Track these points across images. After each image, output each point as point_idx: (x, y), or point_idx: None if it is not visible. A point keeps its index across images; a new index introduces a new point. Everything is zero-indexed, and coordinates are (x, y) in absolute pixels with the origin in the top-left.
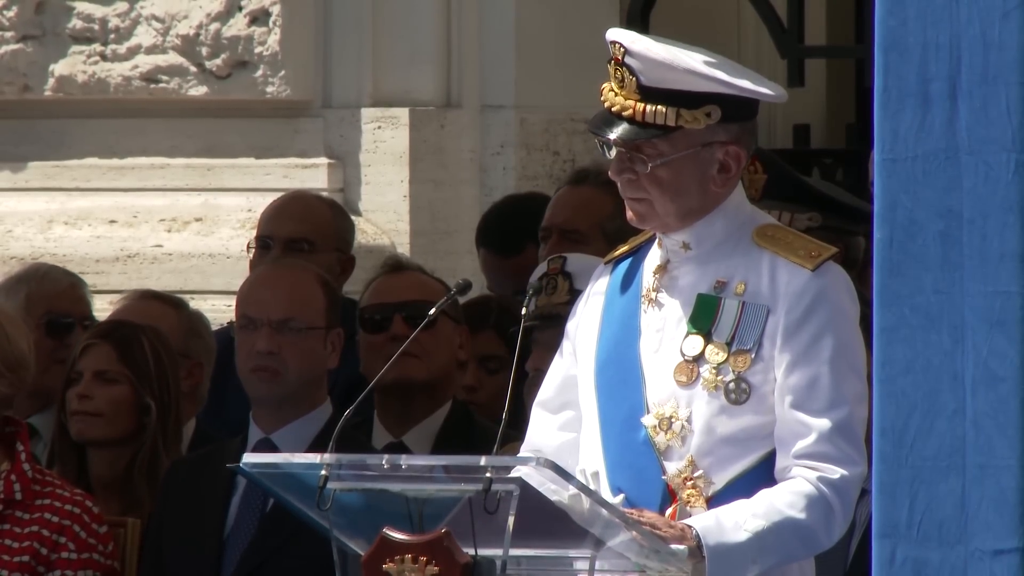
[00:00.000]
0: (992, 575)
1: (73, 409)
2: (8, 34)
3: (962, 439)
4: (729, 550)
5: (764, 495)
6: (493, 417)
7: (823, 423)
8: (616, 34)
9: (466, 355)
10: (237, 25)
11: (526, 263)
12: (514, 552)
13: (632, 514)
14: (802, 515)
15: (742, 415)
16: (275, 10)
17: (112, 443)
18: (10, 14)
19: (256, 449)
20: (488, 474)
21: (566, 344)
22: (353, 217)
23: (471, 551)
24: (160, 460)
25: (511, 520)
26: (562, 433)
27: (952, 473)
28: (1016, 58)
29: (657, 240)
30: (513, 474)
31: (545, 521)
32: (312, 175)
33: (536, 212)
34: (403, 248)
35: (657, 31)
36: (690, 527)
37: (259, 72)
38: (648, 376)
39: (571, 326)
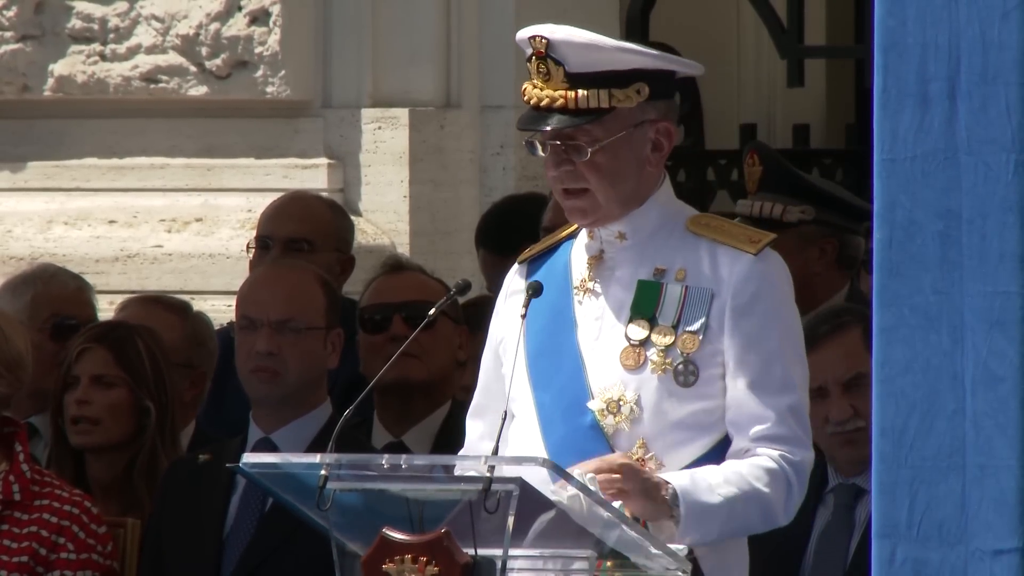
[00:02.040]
0: (992, 575)
1: (72, 415)
2: (8, 34)
3: (962, 439)
4: (704, 510)
5: (732, 465)
6: None
7: (779, 406)
8: (532, 29)
9: (466, 355)
10: (237, 25)
11: None
12: (513, 552)
13: (573, 470)
14: (767, 489)
15: (691, 398)
16: (275, 10)
17: (111, 448)
18: (10, 14)
19: (256, 449)
20: (488, 474)
21: (489, 345)
22: (353, 217)
23: (471, 551)
24: (159, 461)
25: (511, 520)
26: (486, 443)
27: (952, 473)
28: (1015, 58)
29: (587, 232)
30: (513, 474)
31: (545, 521)
32: (312, 175)
33: (536, 212)
34: (403, 248)
35: (657, 31)
36: (667, 482)
37: (259, 72)
38: (589, 363)
39: (494, 326)
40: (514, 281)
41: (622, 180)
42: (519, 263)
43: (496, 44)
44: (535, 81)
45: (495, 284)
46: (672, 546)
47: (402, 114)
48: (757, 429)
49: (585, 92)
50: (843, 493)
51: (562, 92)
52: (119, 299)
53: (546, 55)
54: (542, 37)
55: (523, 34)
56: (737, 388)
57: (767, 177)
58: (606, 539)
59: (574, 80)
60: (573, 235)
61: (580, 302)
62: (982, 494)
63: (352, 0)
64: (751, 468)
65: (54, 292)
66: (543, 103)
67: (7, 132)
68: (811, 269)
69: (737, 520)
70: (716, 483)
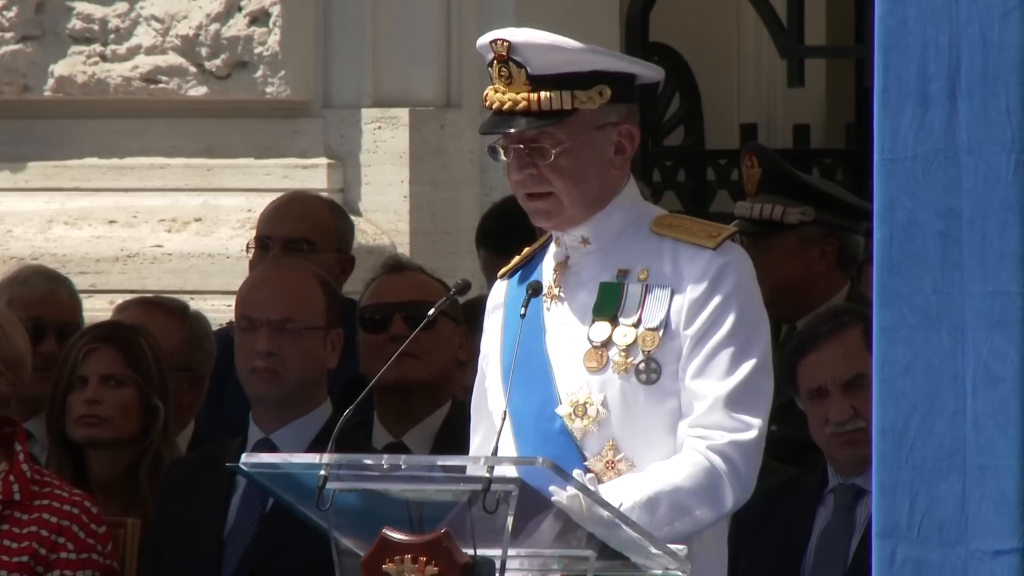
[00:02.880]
0: (992, 575)
1: (80, 414)
2: (8, 34)
3: (962, 439)
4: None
5: (653, 468)
6: None
7: (716, 392)
8: (493, 34)
9: (466, 355)
10: (237, 25)
11: None
12: (513, 552)
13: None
14: (685, 484)
15: (656, 396)
16: (275, 10)
17: (117, 445)
18: (10, 14)
19: (256, 449)
20: (487, 474)
21: (480, 361)
22: (353, 217)
23: (470, 551)
24: (163, 460)
25: (510, 520)
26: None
27: (952, 473)
28: (1016, 58)
29: (554, 240)
30: (512, 474)
31: (544, 521)
32: (312, 175)
33: None
34: (403, 248)
35: (657, 31)
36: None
37: (259, 72)
38: (557, 369)
39: (482, 342)
40: (495, 296)
41: (585, 182)
42: (499, 278)
43: None
44: (496, 86)
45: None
46: (672, 546)
47: (402, 114)
48: (692, 416)
49: (548, 94)
50: (843, 493)
51: (524, 95)
52: (119, 299)
53: (508, 58)
54: (504, 40)
55: (484, 39)
56: (685, 378)
57: (766, 178)
58: (606, 539)
59: (536, 82)
60: (546, 245)
61: (548, 308)
62: (982, 494)
63: (352, 0)
64: (669, 467)
65: (25, 295)
66: (505, 107)
67: (7, 132)
68: (812, 270)
69: (656, 523)
70: (626, 491)
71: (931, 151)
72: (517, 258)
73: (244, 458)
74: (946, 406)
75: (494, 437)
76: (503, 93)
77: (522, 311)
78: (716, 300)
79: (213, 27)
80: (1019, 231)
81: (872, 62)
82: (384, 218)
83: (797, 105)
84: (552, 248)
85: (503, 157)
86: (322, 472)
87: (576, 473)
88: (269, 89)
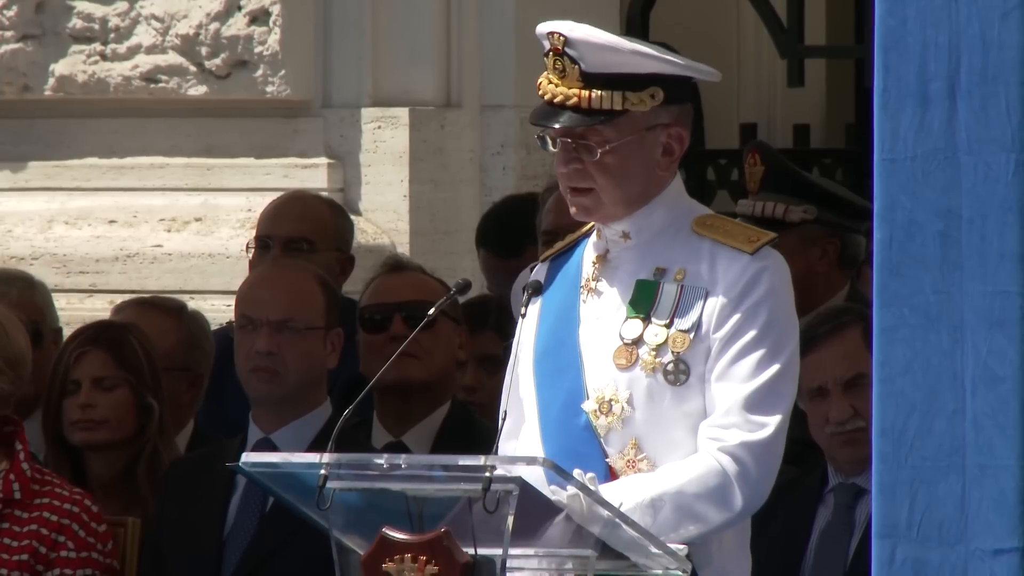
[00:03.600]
0: (992, 575)
1: (75, 419)
2: (8, 33)
3: (962, 439)
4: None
5: (661, 469)
6: (492, 417)
7: (736, 394)
8: (552, 25)
9: (466, 355)
10: (237, 25)
11: (525, 263)
12: (513, 552)
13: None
14: (693, 488)
15: (682, 398)
16: (275, 10)
17: (114, 446)
18: (10, 13)
19: (256, 449)
20: (487, 473)
21: (514, 343)
22: (353, 217)
23: (470, 551)
24: (160, 458)
25: (510, 519)
26: (508, 443)
27: (952, 473)
28: (1015, 58)
29: (596, 231)
30: (512, 473)
31: (545, 520)
32: (312, 175)
33: (536, 212)
34: (403, 248)
35: (657, 32)
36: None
37: (259, 72)
38: (587, 362)
39: (518, 328)
40: (534, 280)
41: (629, 182)
42: (541, 261)
43: (496, 43)
44: (550, 76)
45: (495, 284)
46: (672, 546)
47: (402, 114)
48: (711, 417)
49: (599, 93)
50: (843, 493)
51: (576, 91)
52: (119, 299)
53: (563, 52)
54: (560, 34)
55: (542, 29)
56: (710, 380)
57: (769, 177)
58: (606, 539)
59: (589, 80)
60: (588, 233)
61: (584, 301)
62: (982, 494)
63: (352, 0)
64: (679, 469)
65: None
66: (556, 99)
67: (7, 132)
68: (813, 269)
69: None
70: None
71: (931, 151)
72: (560, 243)
73: (244, 457)
74: (945, 406)
75: (521, 427)
76: (556, 85)
77: (523, 311)
78: (747, 305)
79: (213, 26)
80: (1019, 231)
81: (872, 62)
82: (384, 218)
83: (797, 105)
84: (593, 238)
85: (552, 147)
86: (322, 471)
87: (576, 472)
88: (269, 89)
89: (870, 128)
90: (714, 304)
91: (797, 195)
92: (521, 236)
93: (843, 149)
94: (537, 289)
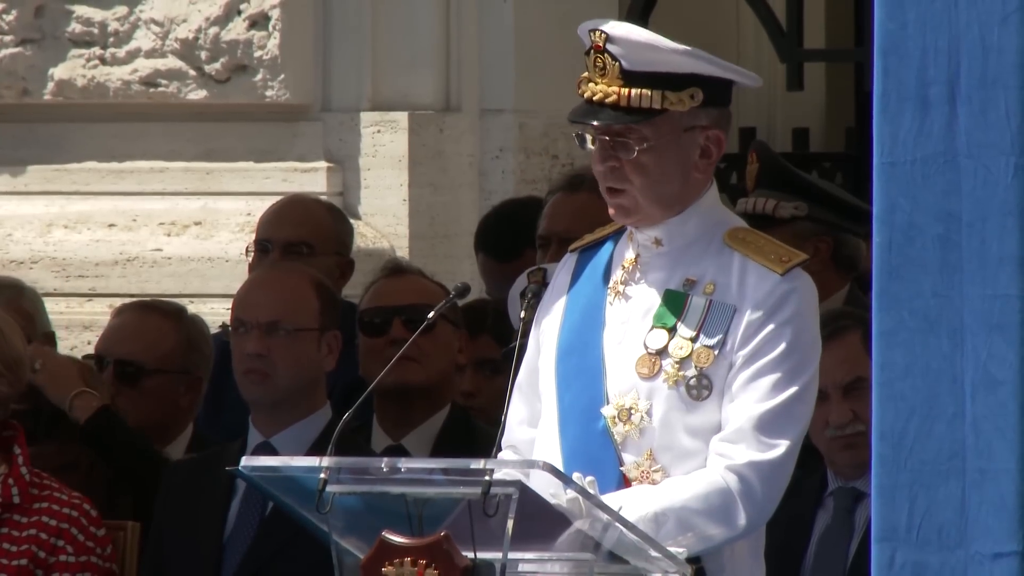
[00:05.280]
0: None
1: None
2: (7, 38)
3: (961, 443)
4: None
5: (667, 483)
6: (492, 421)
7: (749, 412)
8: (592, 23)
9: (465, 359)
10: (236, 29)
11: (524, 267)
12: (513, 555)
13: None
14: (695, 504)
15: (703, 412)
16: (274, 14)
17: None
18: (9, 18)
19: (255, 453)
20: (487, 477)
21: (533, 332)
22: (352, 221)
23: (470, 554)
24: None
25: (510, 523)
26: (528, 429)
27: (951, 477)
28: (1015, 62)
29: (628, 233)
30: (512, 477)
31: (544, 524)
32: (311, 179)
33: (535, 217)
34: (402, 252)
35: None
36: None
37: (258, 76)
38: (610, 367)
39: (539, 314)
40: (563, 272)
41: (666, 183)
42: (570, 251)
43: (496, 48)
44: (590, 75)
45: (494, 288)
46: (672, 549)
47: (401, 118)
48: (719, 435)
49: (638, 91)
50: (843, 497)
51: (616, 88)
52: (119, 303)
53: (604, 49)
54: (601, 31)
55: (584, 27)
56: (728, 397)
57: (763, 173)
58: (605, 542)
59: (629, 78)
60: (620, 230)
61: (611, 303)
62: (981, 498)
63: (352, 4)
64: (684, 483)
65: None
66: (596, 97)
67: (7, 136)
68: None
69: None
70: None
71: (930, 155)
72: (590, 236)
73: (244, 461)
74: (945, 409)
75: (537, 424)
76: (596, 84)
77: (522, 314)
78: (772, 326)
79: (212, 31)
80: (1018, 235)
81: (872, 66)
82: (383, 222)
83: (796, 109)
84: (625, 241)
85: (590, 145)
86: (322, 475)
87: (576, 476)
88: (268, 93)
89: (870, 132)
90: (740, 321)
91: (790, 192)
92: (519, 240)
93: (843, 153)
94: (537, 293)
